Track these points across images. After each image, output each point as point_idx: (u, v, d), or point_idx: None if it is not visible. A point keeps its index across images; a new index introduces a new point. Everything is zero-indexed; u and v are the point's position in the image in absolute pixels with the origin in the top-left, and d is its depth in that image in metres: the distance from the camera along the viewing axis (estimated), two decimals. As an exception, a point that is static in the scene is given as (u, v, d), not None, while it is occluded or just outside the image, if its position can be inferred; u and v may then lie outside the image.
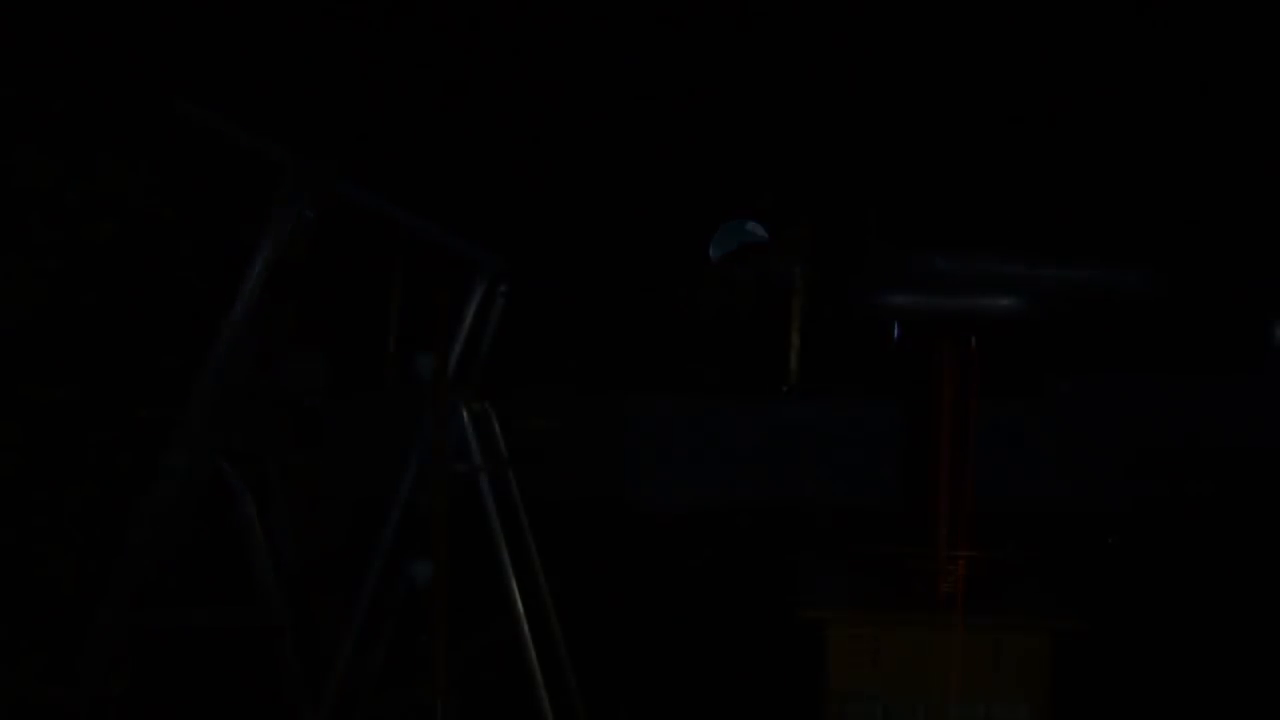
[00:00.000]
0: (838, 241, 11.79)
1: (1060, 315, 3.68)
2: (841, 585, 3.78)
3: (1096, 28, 10.08)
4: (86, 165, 4.20)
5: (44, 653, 4.16)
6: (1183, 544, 8.49)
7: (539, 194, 10.20)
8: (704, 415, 10.51)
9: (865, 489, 9.45)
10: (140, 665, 4.24)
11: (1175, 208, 11.00)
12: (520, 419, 4.17)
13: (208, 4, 5.43)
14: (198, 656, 4.73)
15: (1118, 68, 10.63)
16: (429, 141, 8.87)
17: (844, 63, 10.97)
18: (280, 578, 3.62)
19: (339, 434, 6.70)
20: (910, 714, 3.52)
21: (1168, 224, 11.09)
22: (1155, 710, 5.28)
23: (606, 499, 10.14)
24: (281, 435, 4.40)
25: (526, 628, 3.69)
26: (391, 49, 8.38)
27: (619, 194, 11.06)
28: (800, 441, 10.32)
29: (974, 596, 3.61)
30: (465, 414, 3.68)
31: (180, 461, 3.37)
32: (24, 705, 4.02)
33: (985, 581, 3.65)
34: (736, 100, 11.13)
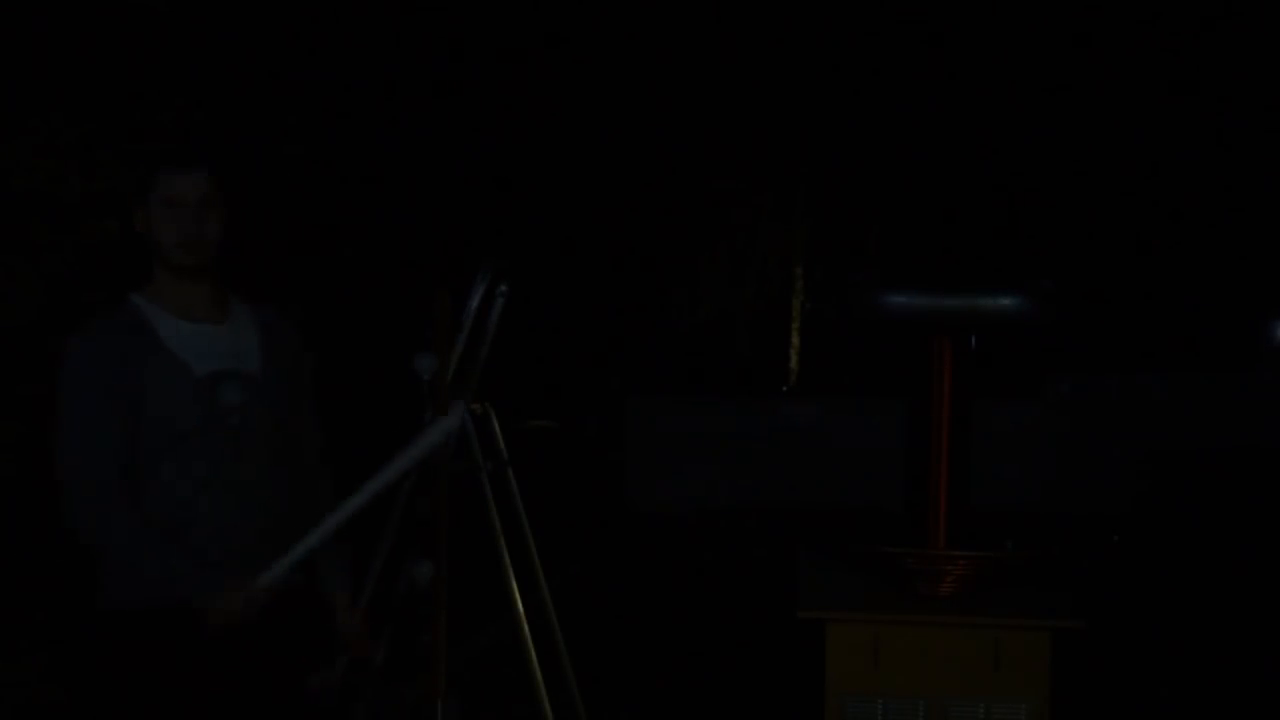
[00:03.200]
0: (838, 241, 11.78)
1: (1060, 315, 3.67)
2: (841, 585, 3.78)
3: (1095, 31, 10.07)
4: (86, 165, 4.20)
5: (44, 653, 4.16)
6: (1183, 544, 8.49)
7: (541, 195, 10.19)
8: (704, 415, 10.51)
9: (865, 489, 9.45)
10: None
11: (1175, 209, 10.97)
12: (520, 419, 4.17)
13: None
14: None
15: (1116, 73, 10.62)
16: (432, 141, 8.87)
17: (846, 68, 10.96)
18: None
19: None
20: (910, 713, 3.52)
21: (1169, 225, 11.06)
22: (1154, 709, 5.28)
23: (606, 499, 10.14)
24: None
25: (526, 628, 3.68)
26: (390, 48, 8.38)
27: (621, 195, 11.05)
28: (800, 441, 10.32)
29: (974, 596, 3.61)
30: (465, 414, 3.67)
31: None
32: (24, 705, 4.02)
33: (985, 581, 3.64)
34: (739, 101, 11.13)
